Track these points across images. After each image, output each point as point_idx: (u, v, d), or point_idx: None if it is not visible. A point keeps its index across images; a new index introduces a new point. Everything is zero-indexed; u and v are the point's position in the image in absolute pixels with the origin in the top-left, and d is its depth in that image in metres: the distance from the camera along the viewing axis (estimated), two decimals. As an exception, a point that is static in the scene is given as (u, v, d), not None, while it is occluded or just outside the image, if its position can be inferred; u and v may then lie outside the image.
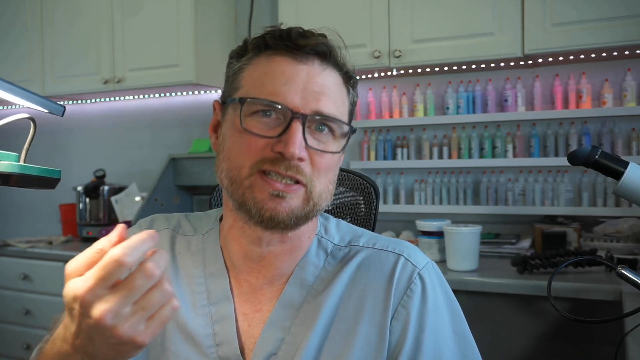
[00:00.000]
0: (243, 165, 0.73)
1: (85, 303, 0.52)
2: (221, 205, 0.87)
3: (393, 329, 0.75)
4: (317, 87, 0.74)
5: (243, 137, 0.73)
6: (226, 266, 0.81)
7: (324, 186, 0.75)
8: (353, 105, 0.82)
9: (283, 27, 0.77)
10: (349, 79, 0.79)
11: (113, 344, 0.53)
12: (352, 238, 0.84)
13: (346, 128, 0.76)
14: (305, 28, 0.78)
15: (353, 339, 0.74)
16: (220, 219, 0.86)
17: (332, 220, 0.87)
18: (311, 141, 0.73)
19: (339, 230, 0.85)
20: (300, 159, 0.71)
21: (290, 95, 0.72)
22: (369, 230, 0.91)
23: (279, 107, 0.72)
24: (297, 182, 0.72)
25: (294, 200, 0.72)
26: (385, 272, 0.78)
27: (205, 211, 0.93)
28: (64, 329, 0.58)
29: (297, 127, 0.71)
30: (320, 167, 0.74)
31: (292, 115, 0.71)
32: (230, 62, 0.80)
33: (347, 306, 0.77)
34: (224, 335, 0.77)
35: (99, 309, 0.51)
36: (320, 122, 0.74)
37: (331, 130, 0.75)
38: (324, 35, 0.77)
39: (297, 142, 0.70)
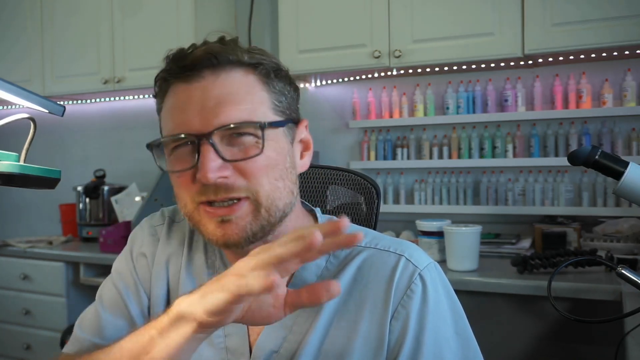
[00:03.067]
0: (186, 202, 0.75)
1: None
2: None
3: (393, 328, 0.75)
4: (213, 100, 0.71)
5: (173, 177, 0.75)
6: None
7: (270, 186, 0.73)
8: (284, 93, 0.77)
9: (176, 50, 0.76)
10: (255, 68, 0.74)
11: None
12: None
13: (264, 123, 0.71)
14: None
15: (353, 338, 0.75)
16: None
17: None
18: (230, 154, 0.71)
19: None
20: (224, 177, 0.70)
21: (189, 120, 0.71)
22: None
23: (183, 136, 0.71)
24: (238, 198, 0.71)
25: (242, 218, 0.72)
26: (386, 273, 0.77)
27: None
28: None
29: (205, 149, 0.69)
30: (253, 172, 0.71)
31: (197, 140, 0.70)
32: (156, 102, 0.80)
33: (348, 306, 0.77)
34: (234, 326, 0.78)
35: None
36: (229, 132, 0.71)
37: (249, 133, 0.71)
38: (221, 39, 0.75)
39: (209, 165, 0.69)
